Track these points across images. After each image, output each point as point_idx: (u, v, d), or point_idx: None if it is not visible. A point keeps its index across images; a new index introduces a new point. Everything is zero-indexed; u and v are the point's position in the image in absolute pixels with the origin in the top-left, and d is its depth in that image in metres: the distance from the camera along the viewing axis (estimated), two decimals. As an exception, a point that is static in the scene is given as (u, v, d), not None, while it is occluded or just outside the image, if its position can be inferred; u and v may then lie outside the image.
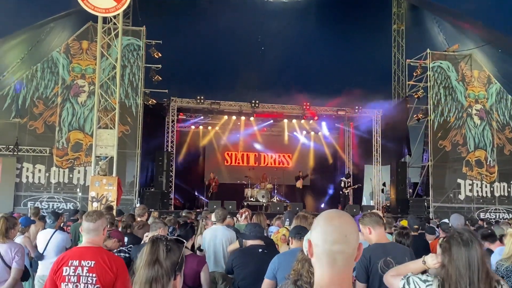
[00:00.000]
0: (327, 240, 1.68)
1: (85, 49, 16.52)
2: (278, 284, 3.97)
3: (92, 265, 3.41)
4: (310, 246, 1.74)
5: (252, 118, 20.36)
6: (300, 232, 4.28)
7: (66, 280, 3.38)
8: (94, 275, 3.38)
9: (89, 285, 3.37)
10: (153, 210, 11.26)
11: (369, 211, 6.47)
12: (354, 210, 16.53)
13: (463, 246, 2.52)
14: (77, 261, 3.43)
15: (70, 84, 16.37)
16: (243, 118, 20.30)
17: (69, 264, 3.41)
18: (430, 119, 17.98)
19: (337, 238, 1.67)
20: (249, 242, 5.08)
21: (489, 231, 6.13)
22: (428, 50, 18.13)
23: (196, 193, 21.10)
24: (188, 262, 4.71)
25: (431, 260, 2.91)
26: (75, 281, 3.37)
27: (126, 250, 6.04)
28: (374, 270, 3.96)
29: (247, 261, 4.84)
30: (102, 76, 13.56)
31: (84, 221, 3.63)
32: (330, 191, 22.49)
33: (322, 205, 21.70)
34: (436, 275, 2.66)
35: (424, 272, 2.91)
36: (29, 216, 8.24)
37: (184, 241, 2.30)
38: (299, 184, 20.40)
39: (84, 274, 3.38)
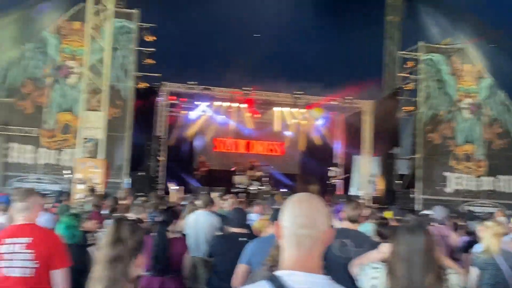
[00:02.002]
0: (294, 223, 1.70)
1: (76, 30, 16.34)
2: (254, 269, 3.99)
3: (29, 241, 3.40)
4: (278, 227, 1.77)
5: (243, 105, 20.31)
6: (278, 218, 4.29)
7: (2, 258, 3.37)
8: (31, 250, 3.38)
9: (26, 262, 3.36)
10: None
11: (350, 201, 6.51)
12: (340, 200, 16.59)
13: (406, 232, 2.58)
14: (11, 238, 3.42)
15: (60, 65, 16.22)
16: (234, 104, 20.24)
17: (4, 243, 3.40)
18: (420, 112, 18.01)
19: (304, 222, 1.69)
20: (232, 229, 5.09)
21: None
22: (420, 43, 18.11)
23: (187, 178, 21.06)
24: (173, 244, 4.75)
25: (387, 249, 2.96)
26: (10, 258, 3.36)
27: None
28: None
29: (227, 249, 4.85)
30: (92, 58, 13.45)
31: (14, 201, 3.60)
32: (320, 180, 22.51)
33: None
34: (386, 263, 2.71)
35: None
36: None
37: (142, 221, 2.33)
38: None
39: (20, 250, 3.37)
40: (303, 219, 1.70)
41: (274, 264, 3.27)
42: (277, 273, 1.68)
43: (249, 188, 18.97)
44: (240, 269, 4.15)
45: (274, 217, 4.41)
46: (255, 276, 3.40)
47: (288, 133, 22.38)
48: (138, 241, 2.16)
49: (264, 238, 4.37)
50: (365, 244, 4.34)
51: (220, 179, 20.17)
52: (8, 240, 3.42)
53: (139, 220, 2.01)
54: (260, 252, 4.01)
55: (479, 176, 18.29)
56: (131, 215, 5.46)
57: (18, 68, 15.91)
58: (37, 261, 3.40)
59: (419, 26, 19.17)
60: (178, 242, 4.89)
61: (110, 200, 7.47)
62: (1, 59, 15.76)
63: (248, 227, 5.23)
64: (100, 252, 2.12)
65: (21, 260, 3.37)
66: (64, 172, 15.65)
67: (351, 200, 4.99)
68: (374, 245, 4.46)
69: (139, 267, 2.19)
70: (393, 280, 2.53)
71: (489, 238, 4.92)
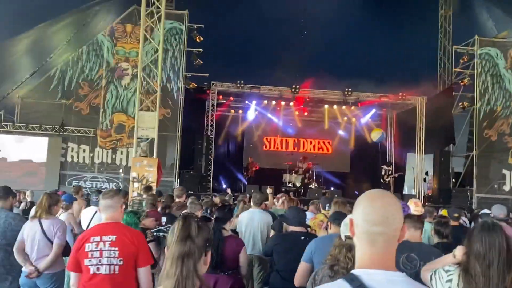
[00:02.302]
0: (367, 220, 1.66)
1: (129, 33, 16.77)
2: (315, 268, 3.97)
3: (114, 239, 3.49)
4: (351, 225, 1.73)
5: (292, 103, 20.24)
6: (339, 217, 4.25)
7: (89, 256, 3.46)
8: (116, 248, 3.46)
9: (112, 259, 3.45)
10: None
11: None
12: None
13: (483, 231, 2.49)
14: (99, 237, 3.51)
15: (114, 67, 16.69)
16: (283, 102, 20.21)
17: (91, 241, 3.49)
18: (476, 108, 17.44)
19: (377, 219, 1.65)
20: (291, 228, 5.05)
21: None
22: (476, 37, 17.53)
23: (236, 177, 21.21)
24: (228, 243, 4.79)
25: (460, 252, 2.86)
26: (98, 255, 3.45)
27: (165, 229, 6.16)
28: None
29: (289, 248, 4.82)
30: (145, 60, 13.74)
31: (102, 199, 3.73)
32: (371, 179, 22.20)
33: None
34: (459, 264, 2.62)
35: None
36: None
37: (212, 218, 2.33)
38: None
39: (106, 248, 3.46)
40: (376, 216, 1.65)
41: (335, 263, 3.23)
42: (355, 271, 1.64)
43: (299, 186, 18.88)
44: (302, 267, 4.13)
45: (333, 217, 4.37)
46: (317, 275, 3.37)
47: (338, 131, 22.16)
48: (206, 238, 2.17)
49: (325, 237, 4.34)
50: (433, 257, 4.22)
51: (269, 178, 20.19)
52: (95, 238, 3.51)
53: (206, 218, 2.02)
54: (320, 251, 3.98)
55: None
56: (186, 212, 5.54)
57: (74, 70, 16.48)
58: (122, 258, 3.48)
59: (474, 19, 18.57)
60: (234, 240, 4.91)
61: (166, 198, 7.58)
62: (57, 62, 16.35)
63: (306, 226, 5.18)
64: (170, 249, 2.13)
65: (107, 257, 3.46)
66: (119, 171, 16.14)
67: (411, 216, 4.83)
68: (446, 250, 4.34)
69: (207, 264, 2.20)
70: (470, 281, 2.44)
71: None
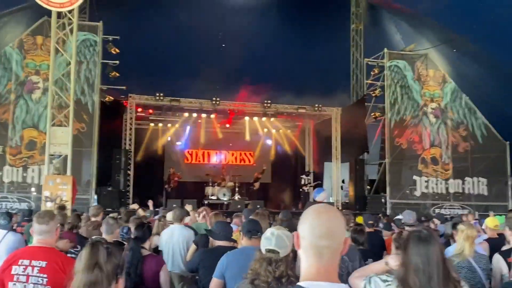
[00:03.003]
0: (314, 234, 1.72)
1: (39, 45, 16.03)
2: (227, 283, 3.94)
3: (44, 266, 3.32)
4: (297, 238, 1.79)
5: (212, 116, 20.25)
6: (250, 230, 4.25)
7: (15, 280, 3.29)
8: (45, 275, 3.29)
9: (39, 286, 3.28)
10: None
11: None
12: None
13: (421, 242, 2.50)
14: (28, 260, 3.33)
15: (24, 81, 15.85)
16: (203, 115, 20.15)
17: (19, 263, 3.32)
18: (387, 118, 18.29)
19: (324, 233, 1.72)
20: (217, 243, 4.99)
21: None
22: (385, 50, 18.43)
23: (156, 191, 20.78)
24: (147, 262, 4.64)
25: (393, 261, 2.91)
26: (24, 280, 3.28)
27: (73, 251, 5.89)
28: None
29: (215, 263, 4.77)
30: (57, 73, 13.18)
31: (36, 223, 3.52)
32: (291, 189, 22.63)
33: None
34: (396, 274, 2.62)
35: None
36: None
37: (124, 243, 2.25)
38: (256, 185, 20.50)
39: (34, 274, 3.29)
40: (323, 229, 1.72)
41: (256, 277, 3.22)
42: (302, 284, 1.70)
43: (221, 198, 18.86)
44: (214, 283, 4.08)
45: (245, 229, 4.34)
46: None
47: (258, 142, 22.43)
48: (116, 264, 2.07)
49: (236, 251, 4.30)
50: (357, 256, 4.36)
51: (192, 191, 20.03)
52: (24, 262, 3.33)
53: (118, 242, 1.92)
54: (232, 266, 3.96)
55: (446, 179, 18.64)
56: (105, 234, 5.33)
57: (-20, 84, 15.47)
58: (50, 287, 3.30)
59: (383, 33, 19.52)
60: (153, 259, 4.77)
61: (72, 217, 7.26)
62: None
63: (233, 240, 5.14)
64: (76, 277, 2.02)
65: (33, 283, 3.29)
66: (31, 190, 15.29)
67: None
68: (360, 256, 4.48)
69: None
70: None
71: (462, 241, 4.96)
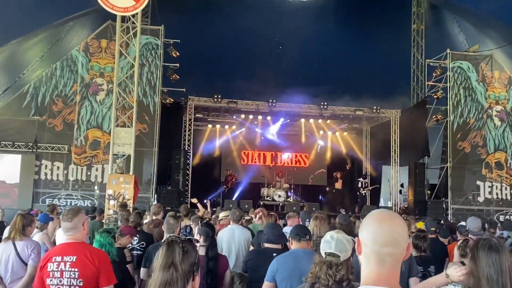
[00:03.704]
0: (377, 241, 1.72)
1: (104, 48, 16.64)
2: (278, 286, 3.95)
3: (74, 260, 3.51)
4: (359, 244, 1.78)
5: (269, 117, 20.31)
6: (299, 233, 4.24)
7: (51, 276, 3.50)
8: (76, 269, 3.49)
9: (72, 280, 3.48)
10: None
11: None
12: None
13: (493, 251, 2.45)
14: (60, 257, 3.54)
15: (89, 83, 16.50)
16: (260, 117, 20.26)
17: (53, 260, 3.53)
18: (450, 120, 17.75)
19: (387, 240, 1.71)
20: (266, 245, 5.04)
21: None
22: (448, 50, 17.90)
23: (214, 191, 21.08)
24: (221, 261, 4.73)
25: (455, 272, 2.83)
26: (59, 276, 3.48)
27: (138, 247, 6.06)
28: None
29: (261, 264, 4.80)
30: (121, 75, 13.63)
31: (62, 221, 3.73)
32: (348, 192, 22.36)
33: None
34: (464, 285, 2.58)
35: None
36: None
37: (198, 240, 2.30)
38: (338, 185, 20.02)
39: (66, 269, 3.49)
40: (386, 237, 1.71)
41: (315, 281, 3.21)
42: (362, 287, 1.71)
43: (276, 200, 18.89)
44: (265, 286, 4.11)
45: (294, 232, 4.33)
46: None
47: (314, 144, 22.31)
48: (192, 263, 2.12)
49: (285, 255, 4.31)
50: (406, 261, 4.26)
51: (247, 192, 20.20)
52: (57, 258, 3.53)
53: (192, 240, 1.98)
54: (282, 269, 3.98)
55: (511, 185, 17.88)
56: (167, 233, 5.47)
57: (48, 86, 16.24)
58: (82, 280, 3.48)
59: (445, 33, 18.96)
60: (223, 258, 4.88)
61: (134, 216, 7.45)
62: (30, 78, 16.10)
63: (284, 242, 5.15)
64: (153, 275, 2.09)
65: (67, 278, 3.48)
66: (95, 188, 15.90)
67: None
68: (411, 261, 4.38)
69: (194, 287, 2.15)
70: None
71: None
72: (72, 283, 3.47)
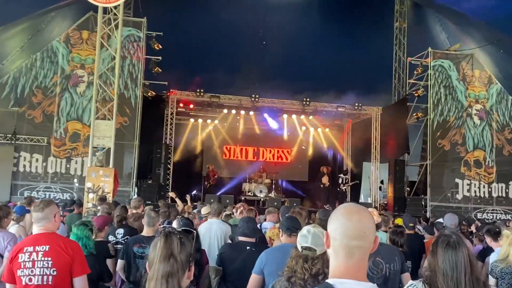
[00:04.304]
0: (345, 235, 1.75)
1: (85, 39, 16.45)
2: (266, 279, 3.97)
3: (47, 249, 3.47)
4: (327, 238, 1.81)
5: (251, 113, 20.31)
6: (290, 227, 4.25)
7: (22, 267, 3.44)
8: (49, 258, 3.45)
9: (45, 269, 3.43)
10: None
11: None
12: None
13: (450, 248, 2.55)
14: (32, 247, 3.48)
15: (70, 74, 16.31)
16: (242, 112, 20.24)
17: (24, 251, 3.47)
18: (430, 118, 17.92)
19: (356, 234, 1.75)
20: (240, 238, 5.06)
21: (497, 229, 6.14)
22: (429, 49, 18.05)
23: (195, 186, 21.04)
24: (203, 254, 4.74)
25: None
26: (30, 266, 3.43)
27: (122, 241, 6.03)
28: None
29: (234, 257, 4.82)
30: (101, 67, 13.48)
31: (33, 212, 3.70)
32: (329, 187, 22.49)
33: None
34: (422, 277, 2.68)
35: None
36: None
37: (194, 231, 2.30)
38: (325, 180, 19.82)
39: (39, 258, 3.44)
40: (355, 231, 1.75)
41: (292, 275, 3.23)
42: (330, 281, 1.73)
43: (258, 195, 18.92)
44: (253, 279, 4.12)
45: (285, 226, 4.35)
46: (275, 286, 3.36)
47: (296, 140, 22.36)
48: (188, 253, 2.15)
49: (275, 248, 4.33)
50: (396, 257, 4.31)
51: (229, 187, 20.22)
52: (28, 249, 3.48)
53: (187, 230, 2.00)
54: (271, 263, 3.99)
55: (490, 183, 18.15)
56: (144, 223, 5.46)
57: (28, 77, 16.01)
58: (55, 269, 3.44)
59: (427, 32, 19.12)
60: (204, 252, 4.88)
61: (120, 210, 7.40)
62: (10, 68, 15.85)
63: (259, 236, 5.17)
64: (153, 267, 2.10)
65: (39, 268, 3.43)
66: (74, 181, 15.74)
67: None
68: (402, 258, 4.44)
69: (190, 278, 2.17)
70: None
71: (506, 246, 4.84)
72: (45, 273, 3.42)
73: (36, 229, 3.71)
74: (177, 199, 10.46)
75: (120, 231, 6.20)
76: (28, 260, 3.44)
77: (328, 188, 19.72)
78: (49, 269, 3.43)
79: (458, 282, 2.46)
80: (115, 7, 13.02)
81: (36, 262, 3.43)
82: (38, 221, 3.63)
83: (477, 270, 2.54)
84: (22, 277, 3.43)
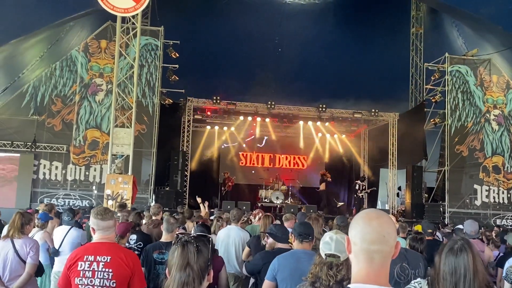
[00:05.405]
0: (365, 240, 1.77)
1: (103, 48, 16.67)
2: (278, 285, 3.98)
3: (108, 260, 3.39)
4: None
5: (267, 119, 20.35)
6: (302, 234, 4.24)
7: (81, 275, 3.37)
8: (110, 270, 3.37)
9: (105, 280, 3.35)
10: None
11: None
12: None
13: (451, 254, 2.61)
14: (92, 256, 3.41)
15: (88, 83, 16.53)
16: (258, 119, 20.29)
17: (84, 259, 3.40)
18: (447, 124, 17.80)
19: (375, 238, 1.76)
20: (279, 245, 5.00)
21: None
22: (446, 54, 17.96)
23: (212, 192, 21.07)
24: (215, 261, 4.73)
25: None
26: (90, 276, 3.36)
27: (136, 247, 6.08)
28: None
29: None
30: (120, 75, 13.66)
31: (100, 220, 3.57)
32: (345, 194, 22.41)
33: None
34: (428, 275, 2.77)
35: None
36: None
37: (210, 236, 2.34)
38: (322, 186, 19.96)
39: (99, 269, 3.37)
40: (374, 235, 1.76)
41: (315, 280, 3.24)
42: (351, 286, 1.75)
43: (274, 202, 18.91)
44: (266, 285, 4.12)
45: (297, 232, 4.34)
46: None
47: (312, 147, 22.32)
48: (206, 260, 2.19)
49: (286, 254, 4.31)
50: (420, 264, 4.31)
51: (245, 193, 20.24)
52: (89, 258, 3.42)
53: (204, 236, 2.04)
54: (283, 269, 4.00)
55: (509, 189, 17.94)
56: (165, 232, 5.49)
57: (47, 86, 16.27)
58: (115, 281, 3.39)
59: (444, 37, 19.02)
60: (216, 258, 4.87)
61: (134, 216, 7.45)
62: (30, 77, 16.12)
63: (290, 242, 5.14)
64: (171, 275, 2.15)
65: (99, 278, 3.38)
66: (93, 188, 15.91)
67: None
68: (426, 264, 4.43)
69: (210, 281, 2.23)
70: None
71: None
72: (105, 284, 3.36)
73: (97, 237, 3.59)
74: (201, 205, 10.50)
75: (133, 237, 6.25)
76: (88, 269, 3.38)
77: (326, 192, 19.67)
78: (109, 280, 3.37)
79: (456, 286, 2.53)
80: (133, 17, 13.23)
81: (96, 273, 3.37)
82: (105, 230, 3.56)
83: (482, 276, 2.57)
84: (80, 286, 3.37)
